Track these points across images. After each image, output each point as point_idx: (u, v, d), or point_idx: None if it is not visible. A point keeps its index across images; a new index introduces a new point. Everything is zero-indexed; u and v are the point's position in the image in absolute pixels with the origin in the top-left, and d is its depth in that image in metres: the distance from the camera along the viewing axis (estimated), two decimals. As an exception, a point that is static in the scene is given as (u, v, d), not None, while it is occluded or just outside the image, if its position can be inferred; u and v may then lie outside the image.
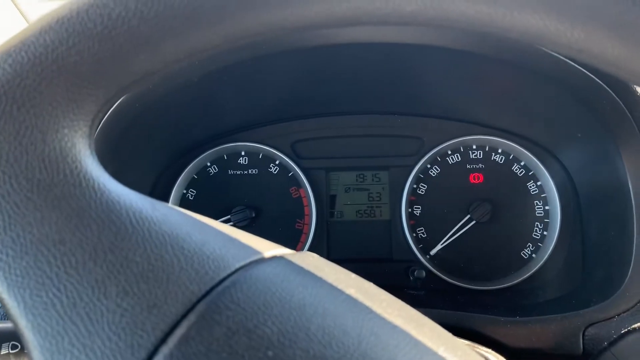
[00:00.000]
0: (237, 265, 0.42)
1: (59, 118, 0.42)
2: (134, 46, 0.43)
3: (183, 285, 0.38)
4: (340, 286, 0.47)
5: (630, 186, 1.03)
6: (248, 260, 0.43)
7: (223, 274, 0.40)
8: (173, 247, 0.40)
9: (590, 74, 0.98)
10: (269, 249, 0.49)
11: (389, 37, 0.91)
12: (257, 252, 0.46)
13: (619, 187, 1.06)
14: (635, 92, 1.00)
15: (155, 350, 0.34)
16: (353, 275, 0.52)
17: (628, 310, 0.98)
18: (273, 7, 0.45)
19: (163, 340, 0.35)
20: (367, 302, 0.46)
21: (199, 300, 0.37)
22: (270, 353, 0.35)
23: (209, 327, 0.36)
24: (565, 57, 0.96)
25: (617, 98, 1.00)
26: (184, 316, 0.36)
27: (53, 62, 0.41)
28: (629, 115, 1.00)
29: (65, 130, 0.42)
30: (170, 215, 0.44)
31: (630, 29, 0.38)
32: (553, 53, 0.96)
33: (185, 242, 0.41)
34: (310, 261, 0.50)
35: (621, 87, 1.00)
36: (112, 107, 0.94)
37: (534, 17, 0.41)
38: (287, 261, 0.48)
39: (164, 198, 1.34)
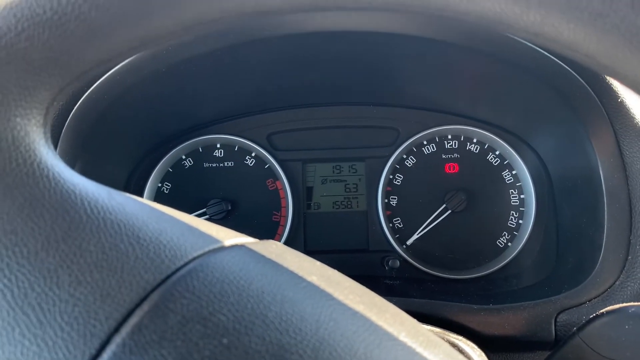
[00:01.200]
0: (195, 254, 0.41)
1: (10, 106, 0.41)
2: (86, 33, 0.42)
3: (138, 275, 0.38)
4: (301, 274, 0.46)
5: (600, 173, 1.04)
6: (207, 249, 0.43)
7: (179, 263, 0.40)
8: (129, 236, 0.40)
9: (560, 62, 0.99)
10: (230, 237, 0.48)
11: (360, 25, 0.91)
12: (216, 241, 0.46)
13: (590, 174, 1.07)
14: (605, 78, 1.01)
15: (108, 340, 0.34)
16: (318, 263, 0.52)
17: (599, 295, 1.00)
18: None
19: (116, 330, 0.35)
20: (329, 289, 0.46)
21: (153, 289, 0.37)
22: (225, 340, 0.35)
23: (162, 316, 0.36)
24: (533, 44, 0.97)
25: (586, 85, 1.01)
26: (137, 305, 0.36)
27: (2, 48, 0.40)
28: (599, 102, 1.02)
29: (18, 119, 0.42)
30: (127, 205, 0.43)
31: (583, 11, 0.38)
32: (522, 40, 0.96)
33: (142, 231, 0.41)
34: (273, 249, 0.50)
35: (591, 74, 1.01)
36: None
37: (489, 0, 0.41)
38: (247, 249, 0.47)
39: (139, 192, 1.33)
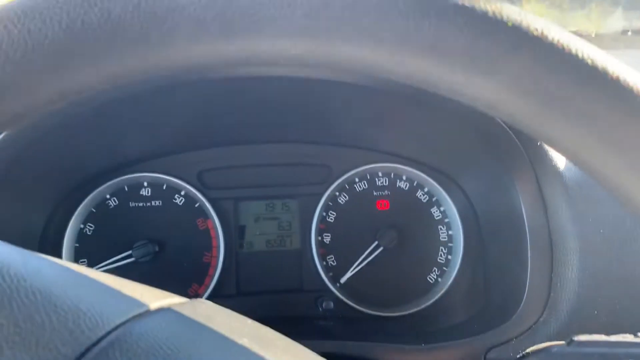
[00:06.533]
0: (118, 322, 0.39)
1: None
2: None
3: (55, 349, 0.34)
4: (232, 336, 0.45)
5: (524, 213, 1.08)
6: (130, 315, 0.40)
7: (100, 333, 0.37)
8: (45, 305, 0.37)
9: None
10: (156, 299, 0.46)
11: (289, 72, 0.91)
12: (141, 305, 0.43)
13: (514, 214, 1.11)
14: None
15: None
16: (249, 321, 0.51)
17: (524, 332, 1.03)
18: (156, 46, 0.43)
19: None
20: (261, 352, 0.44)
21: None
22: None
23: None
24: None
25: (507, 128, 1.06)
26: None
27: None
28: (522, 148, 1.06)
29: None
30: (43, 269, 0.41)
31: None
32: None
33: (59, 299, 0.38)
34: (202, 310, 0.48)
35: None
36: None
37: (411, 61, 0.42)
38: (174, 313, 0.45)
39: (59, 234, 1.25)
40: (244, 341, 0.45)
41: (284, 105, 1.20)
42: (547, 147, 1.07)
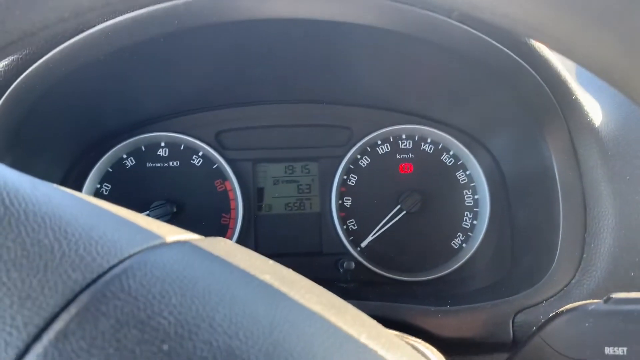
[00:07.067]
0: (132, 251, 0.37)
1: None
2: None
3: (64, 274, 0.33)
4: (253, 272, 0.43)
5: (556, 172, 1.03)
6: (145, 245, 0.39)
7: (113, 260, 0.35)
8: (54, 230, 0.35)
9: (516, 57, 0.98)
10: (172, 233, 0.43)
11: (312, 13, 0.86)
12: (156, 237, 0.42)
13: (545, 173, 1.06)
14: (560, 76, 1.00)
15: (26, 349, 0.30)
16: (270, 262, 0.48)
17: (556, 294, 0.98)
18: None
19: (37, 337, 0.30)
20: (283, 288, 0.42)
21: (82, 290, 0.33)
22: (165, 346, 0.31)
23: (92, 320, 0.31)
24: (492, 38, 0.95)
25: (542, 82, 1.00)
26: (63, 308, 0.32)
27: None
28: (554, 100, 1.01)
29: None
30: (53, 196, 0.38)
31: None
32: (479, 34, 0.94)
33: (70, 225, 0.36)
34: (221, 247, 0.46)
35: (546, 72, 1.00)
36: None
37: None
38: (192, 246, 0.43)
39: (76, 193, 1.23)
40: (266, 277, 0.42)
41: (304, 60, 1.15)
42: (581, 102, 1.01)
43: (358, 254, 1.31)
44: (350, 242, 1.32)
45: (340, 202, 1.34)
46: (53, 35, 0.89)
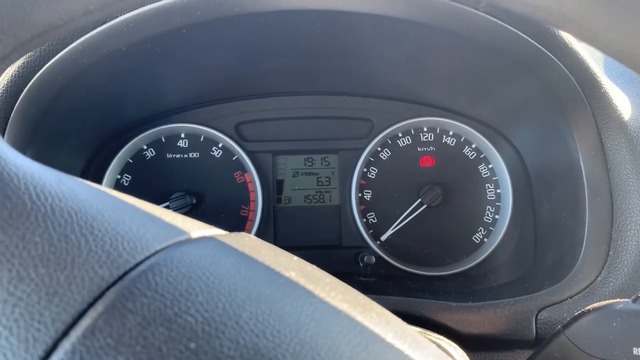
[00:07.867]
0: (158, 247, 0.37)
1: None
2: None
3: (91, 270, 0.33)
4: (278, 269, 0.42)
5: (582, 165, 1.01)
6: (171, 241, 0.38)
7: (140, 257, 0.35)
8: (81, 225, 0.35)
9: (543, 49, 0.95)
10: (198, 229, 0.43)
11: (335, 4, 0.85)
12: (182, 232, 0.41)
13: (570, 167, 1.04)
14: (588, 67, 0.97)
15: (54, 346, 0.30)
16: (295, 258, 0.48)
17: (581, 292, 0.96)
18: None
19: (65, 334, 0.30)
20: (309, 286, 0.42)
21: (109, 287, 0.33)
22: (192, 345, 0.31)
23: (120, 317, 0.31)
24: (516, 29, 0.93)
25: (569, 74, 0.97)
26: (90, 305, 0.31)
27: None
28: (581, 92, 0.98)
29: None
30: (79, 191, 0.38)
31: None
32: (503, 24, 0.92)
33: (96, 221, 0.36)
34: (246, 242, 0.45)
35: (573, 63, 0.97)
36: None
37: None
38: (217, 242, 0.42)
39: (96, 184, 1.24)
40: (291, 274, 0.42)
41: (325, 51, 1.14)
42: (609, 94, 0.98)
43: (378, 247, 1.30)
44: (370, 235, 1.31)
45: (360, 195, 1.33)
46: (77, 28, 0.89)
